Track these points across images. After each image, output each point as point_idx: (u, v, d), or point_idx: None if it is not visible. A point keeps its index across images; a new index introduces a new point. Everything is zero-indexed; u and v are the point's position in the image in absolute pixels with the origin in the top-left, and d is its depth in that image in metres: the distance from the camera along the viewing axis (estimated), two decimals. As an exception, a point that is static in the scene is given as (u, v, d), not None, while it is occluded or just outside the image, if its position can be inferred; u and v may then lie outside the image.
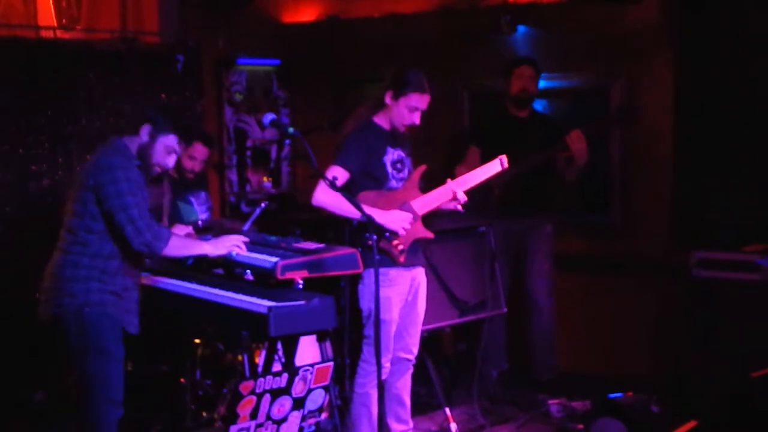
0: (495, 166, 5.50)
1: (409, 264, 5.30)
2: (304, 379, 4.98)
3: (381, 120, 5.33)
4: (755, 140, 6.57)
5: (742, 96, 6.58)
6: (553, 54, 7.20)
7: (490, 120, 7.04)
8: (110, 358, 4.62)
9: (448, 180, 5.41)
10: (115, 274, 4.65)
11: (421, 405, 6.23)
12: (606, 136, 7.06)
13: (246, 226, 5.94)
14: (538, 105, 7.08)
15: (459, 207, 5.38)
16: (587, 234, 7.27)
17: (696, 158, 6.85)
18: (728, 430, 5.42)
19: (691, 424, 5.29)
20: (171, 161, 4.80)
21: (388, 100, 5.25)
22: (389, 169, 5.28)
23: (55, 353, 5.99)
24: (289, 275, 4.92)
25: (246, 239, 5.06)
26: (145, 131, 4.70)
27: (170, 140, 4.73)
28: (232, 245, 4.97)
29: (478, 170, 5.51)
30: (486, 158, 6.44)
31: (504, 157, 5.50)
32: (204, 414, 5.69)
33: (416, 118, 5.26)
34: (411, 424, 5.62)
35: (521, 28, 7.31)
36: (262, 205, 5.96)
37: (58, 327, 4.61)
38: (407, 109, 5.23)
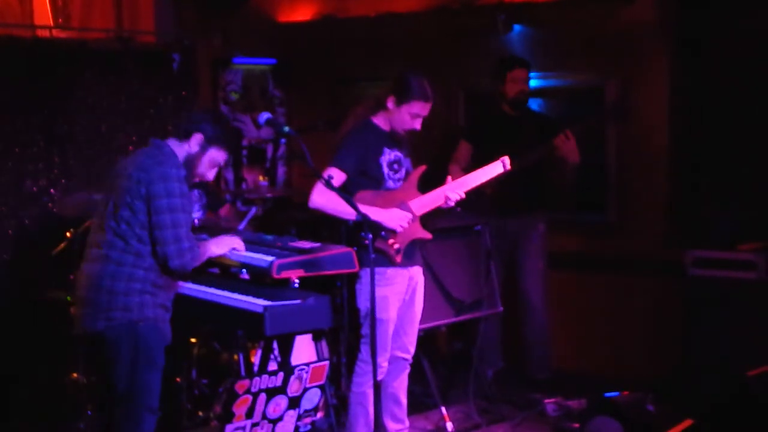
0: (497, 168, 5.48)
1: (406, 263, 5.30)
2: (300, 378, 4.98)
3: (380, 121, 5.32)
4: (750, 139, 6.57)
5: (738, 95, 6.59)
6: (549, 53, 7.21)
7: (484, 118, 7.06)
8: (156, 368, 4.59)
9: (448, 180, 5.41)
10: (165, 287, 4.57)
11: (418, 404, 6.22)
12: (602, 136, 7.06)
13: (241, 226, 5.94)
14: (533, 103, 7.09)
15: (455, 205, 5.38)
16: (583, 233, 7.28)
17: (691, 157, 6.86)
18: (724, 428, 5.42)
19: (687, 422, 5.29)
20: (212, 175, 4.69)
21: (390, 104, 5.25)
22: (386, 169, 5.28)
23: (51, 353, 6.03)
24: (284, 274, 4.91)
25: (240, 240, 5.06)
26: (196, 141, 4.55)
27: (220, 155, 4.62)
28: (231, 244, 4.95)
29: (478, 171, 5.49)
30: (478, 155, 6.46)
31: (506, 159, 5.48)
32: (200, 413, 5.69)
33: (417, 125, 5.27)
34: (407, 423, 5.62)
35: (516, 28, 7.32)
36: (254, 209, 5.98)
37: (107, 339, 4.48)
38: (409, 116, 5.23)
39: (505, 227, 6.67)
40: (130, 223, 4.43)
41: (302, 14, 8.35)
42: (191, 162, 4.58)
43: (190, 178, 4.61)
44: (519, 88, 6.71)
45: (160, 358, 4.61)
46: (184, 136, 4.58)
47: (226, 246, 4.92)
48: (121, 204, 4.44)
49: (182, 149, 4.57)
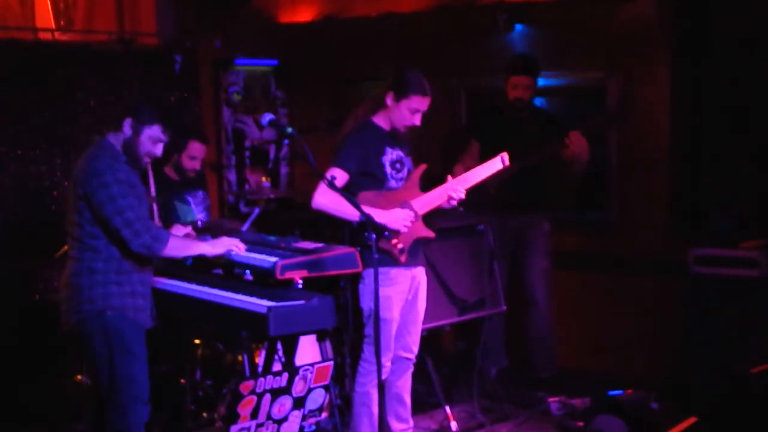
0: (496, 164, 5.49)
1: (409, 263, 5.30)
2: (305, 378, 4.99)
3: (380, 120, 5.33)
4: (751, 136, 6.58)
5: (739, 92, 6.59)
6: (550, 52, 7.21)
7: (486, 115, 7.06)
8: (134, 357, 4.63)
9: (449, 178, 5.41)
10: (130, 272, 4.65)
11: (421, 403, 6.23)
12: (602, 134, 7.06)
13: (245, 227, 5.95)
14: (537, 101, 7.09)
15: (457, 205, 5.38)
16: (585, 231, 7.28)
17: (692, 155, 6.86)
18: (728, 426, 5.42)
19: (691, 420, 5.29)
20: (158, 150, 4.76)
21: (389, 101, 5.25)
22: (388, 169, 5.28)
23: (52, 355, 6.04)
24: (288, 275, 4.92)
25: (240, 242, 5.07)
26: (127, 125, 4.66)
27: (154, 131, 4.69)
28: (230, 245, 4.97)
29: (478, 168, 5.50)
30: (484, 153, 6.47)
31: (505, 155, 5.49)
32: (204, 414, 5.70)
33: (417, 120, 5.26)
34: (411, 423, 5.62)
35: (518, 27, 7.32)
36: (256, 210, 5.99)
37: (81, 333, 4.61)
38: (408, 111, 5.23)
39: (507, 226, 6.66)
40: (80, 224, 4.58)
41: (303, 15, 8.36)
42: (131, 146, 4.68)
43: (136, 161, 4.70)
44: (517, 95, 6.69)
45: (138, 348, 4.66)
46: (117, 126, 4.68)
47: (222, 247, 4.96)
48: (69, 209, 4.63)
49: (118, 138, 4.67)
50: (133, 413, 4.63)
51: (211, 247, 4.94)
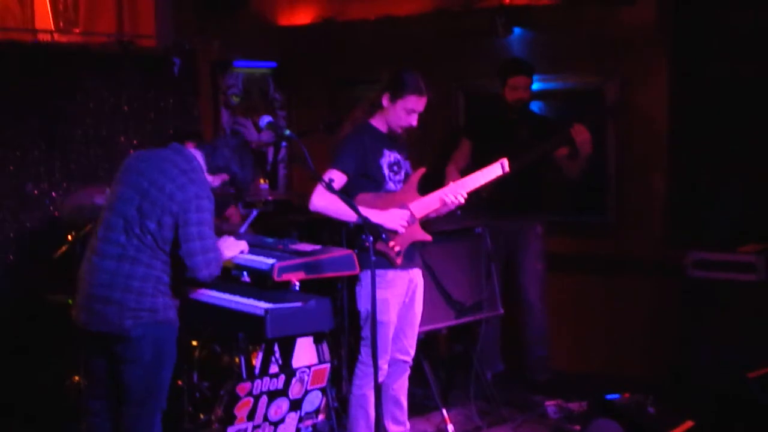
0: (496, 170, 5.46)
1: (406, 265, 5.30)
2: (301, 380, 5.00)
3: (377, 122, 5.33)
4: (749, 139, 6.59)
5: (736, 95, 6.61)
6: (548, 55, 7.22)
7: (483, 118, 7.08)
8: (171, 368, 4.64)
9: (451, 182, 5.41)
10: (182, 285, 4.64)
11: (418, 406, 6.23)
12: (601, 137, 7.06)
13: (243, 229, 5.95)
14: (534, 105, 7.10)
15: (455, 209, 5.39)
16: (582, 234, 7.29)
17: (690, 158, 6.87)
18: (725, 430, 5.43)
19: (688, 424, 5.30)
20: (217, 181, 4.76)
21: (385, 102, 5.25)
22: (386, 171, 5.28)
23: (51, 355, 6.04)
24: (285, 277, 4.92)
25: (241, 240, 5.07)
26: (219, 179, 4.69)
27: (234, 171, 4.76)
28: (239, 246, 4.97)
29: (477, 173, 5.48)
30: (476, 154, 6.48)
31: (505, 161, 5.47)
32: (201, 416, 5.69)
33: (413, 120, 5.26)
34: (408, 426, 5.62)
35: (516, 30, 7.33)
36: (254, 212, 6.00)
37: (129, 338, 4.48)
38: (404, 112, 5.23)
39: (501, 229, 6.65)
40: (156, 237, 4.47)
41: (302, 17, 8.37)
42: (210, 169, 4.69)
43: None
44: (518, 96, 6.72)
45: (175, 357, 4.66)
46: (209, 149, 4.67)
47: (236, 248, 4.97)
48: (150, 215, 4.47)
49: (204, 159, 4.65)
50: (155, 421, 4.64)
51: (227, 251, 4.91)
